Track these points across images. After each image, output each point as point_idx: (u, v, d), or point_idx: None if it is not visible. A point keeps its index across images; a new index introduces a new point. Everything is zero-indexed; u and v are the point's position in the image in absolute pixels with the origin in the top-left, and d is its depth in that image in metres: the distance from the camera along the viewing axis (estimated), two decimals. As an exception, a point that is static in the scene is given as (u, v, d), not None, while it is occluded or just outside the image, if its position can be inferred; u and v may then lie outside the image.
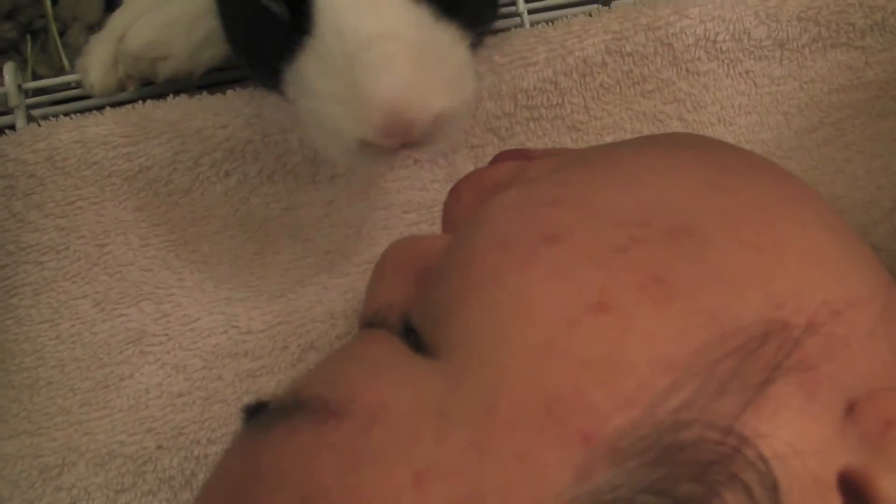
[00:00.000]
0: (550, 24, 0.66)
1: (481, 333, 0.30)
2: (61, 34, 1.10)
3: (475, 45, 0.56)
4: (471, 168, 0.66)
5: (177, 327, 0.63)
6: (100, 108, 0.69)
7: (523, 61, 0.64)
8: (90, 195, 0.65)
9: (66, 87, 0.73)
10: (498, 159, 0.47)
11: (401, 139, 0.51)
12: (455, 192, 0.47)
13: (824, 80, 0.66)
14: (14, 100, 0.69)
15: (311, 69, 0.52)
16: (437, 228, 0.64)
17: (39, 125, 0.65)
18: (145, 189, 0.65)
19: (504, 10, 0.71)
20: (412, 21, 0.51)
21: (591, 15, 0.66)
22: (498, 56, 0.64)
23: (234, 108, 0.65)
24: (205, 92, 0.67)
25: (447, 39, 0.53)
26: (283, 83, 0.55)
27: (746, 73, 0.66)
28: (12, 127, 0.69)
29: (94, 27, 1.14)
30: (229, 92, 0.67)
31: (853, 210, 0.63)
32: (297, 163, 0.65)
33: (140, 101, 0.66)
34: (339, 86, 0.51)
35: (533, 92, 0.65)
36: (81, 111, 0.69)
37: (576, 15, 0.67)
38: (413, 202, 0.66)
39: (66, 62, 1.05)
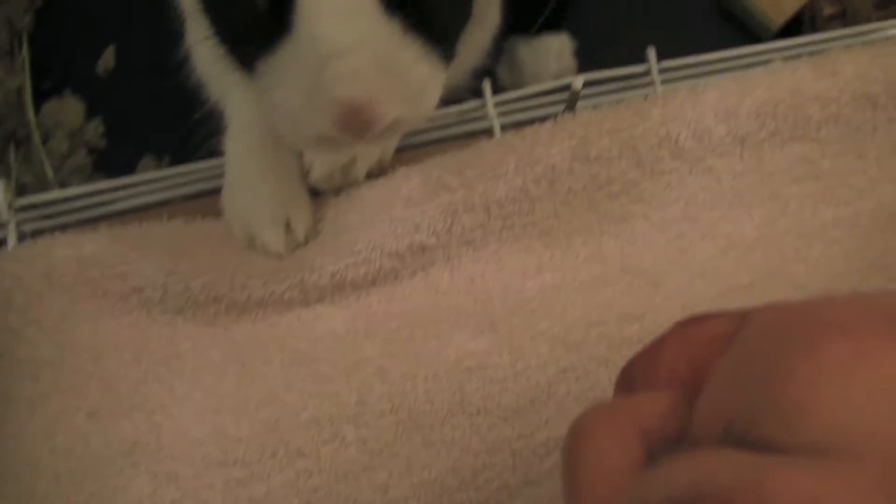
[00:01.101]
0: (518, 132, 0.76)
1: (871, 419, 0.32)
2: (44, 142, 1.22)
3: (444, 57, 0.66)
4: (447, 279, 0.76)
5: (168, 437, 0.72)
6: (90, 221, 0.78)
7: (494, 173, 0.74)
8: (86, 311, 0.74)
9: (56, 202, 0.83)
10: (699, 320, 0.49)
11: (357, 137, 0.63)
12: (655, 348, 0.48)
13: (783, 172, 0.75)
14: (5, 216, 0.79)
15: (283, 65, 0.63)
16: (420, 332, 0.73)
17: (35, 241, 0.75)
18: (139, 308, 0.74)
19: (474, 114, 0.81)
20: (383, 34, 0.61)
21: (556, 120, 0.76)
22: (469, 170, 0.74)
23: (226, 234, 0.75)
24: (198, 216, 0.78)
25: (413, 52, 0.63)
26: (254, 69, 0.64)
27: (709, 169, 0.75)
28: (2, 242, 0.78)
29: (77, 133, 1.26)
30: (221, 218, 0.77)
31: (814, 297, 0.71)
32: (285, 290, 0.74)
33: (138, 223, 0.76)
34: (308, 85, 0.61)
35: (505, 202, 0.75)
36: (71, 225, 0.79)
37: (542, 120, 0.77)
38: (393, 311, 0.75)
39: (49, 170, 1.16)
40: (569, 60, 1.41)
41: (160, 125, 1.28)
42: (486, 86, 0.80)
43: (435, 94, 0.65)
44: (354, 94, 0.59)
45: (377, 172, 0.79)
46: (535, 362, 0.72)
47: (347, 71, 0.59)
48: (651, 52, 0.79)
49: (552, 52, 1.40)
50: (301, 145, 0.67)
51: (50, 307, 0.74)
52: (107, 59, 1.31)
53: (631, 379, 0.48)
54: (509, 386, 0.71)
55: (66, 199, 0.82)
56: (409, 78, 0.63)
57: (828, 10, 1.30)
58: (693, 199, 0.76)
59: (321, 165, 0.76)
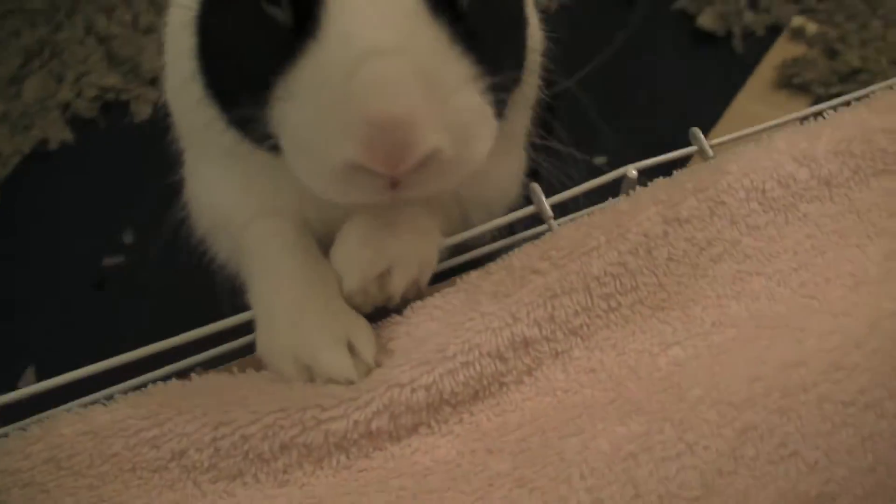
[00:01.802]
0: (596, 210, 0.69)
1: None
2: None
3: (498, 106, 0.57)
4: (562, 378, 0.65)
5: None
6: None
7: (584, 249, 0.66)
8: (111, 495, 0.57)
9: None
10: None
11: (389, 164, 0.52)
12: None
13: (878, 208, 0.71)
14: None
15: (308, 76, 0.53)
16: (553, 433, 0.60)
17: (26, 428, 0.60)
18: (182, 479, 0.59)
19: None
20: (426, 36, 0.53)
21: (629, 194, 0.70)
22: (555, 251, 0.66)
23: (275, 381, 0.63)
24: (235, 369, 0.65)
25: (461, 71, 0.55)
26: (266, 113, 0.56)
27: (805, 216, 0.70)
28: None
29: None
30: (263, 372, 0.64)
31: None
32: (372, 416, 0.61)
33: (158, 382, 0.62)
34: (335, 96, 0.52)
35: (604, 278, 0.66)
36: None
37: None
38: (510, 424, 0.63)
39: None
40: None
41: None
42: (537, 188, 0.73)
43: (486, 137, 0.57)
44: (390, 104, 0.51)
45: (414, 297, 0.68)
46: (707, 430, 0.59)
47: (383, 74, 0.51)
48: (697, 132, 0.76)
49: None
50: (322, 184, 0.56)
51: (61, 497, 0.57)
52: (27, 381, 1.17)
53: None
54: (686, 461, 0.58)
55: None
56: (455, 103, 0.54)
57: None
58: (799, 247, 0.69)
59: (353, 275, 0.64)
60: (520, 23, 0.65)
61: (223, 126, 0.64)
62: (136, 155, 1.49)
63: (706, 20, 1.59)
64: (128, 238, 1.38)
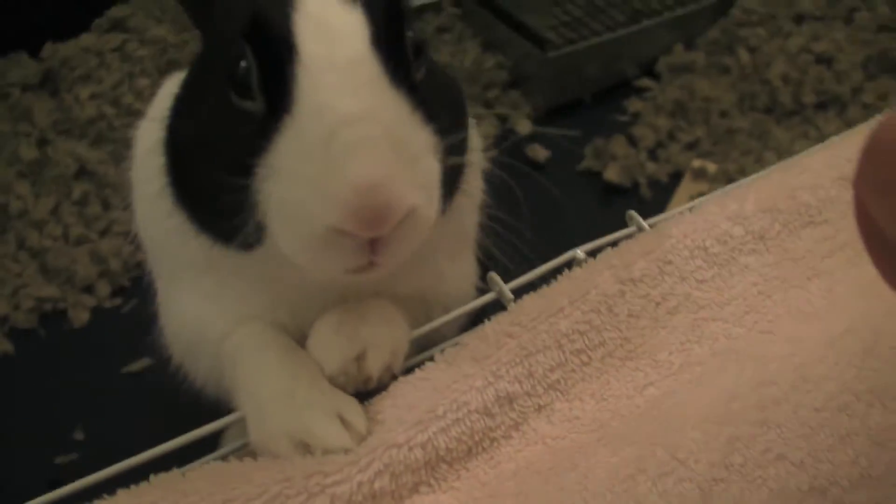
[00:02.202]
0: (549, 286, 0.74)
1: None
2: None
3: (449, 177, 0.64)
4: (548, 428, 0.68)
5: None
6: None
7: (549, 311, 0.71)
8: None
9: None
10: None
11: (372, 227, 0.57)
12: None
13: (811, 253, 0.77)
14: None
15: (287, 149, 0.58)
16: (551, 472, 0.63)
17: None
18: None
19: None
20: (392, 104, 0.59)
21: (583, 266, 0.76)
22: (523, 317, 0.71)
23: (274, 464, 0.64)
24: (231, 457, 0.65)
25: (423, 135, 0.61)
26: (247, 204, 0.60)
27: (746, 267, 0.76)
28: None
29: None
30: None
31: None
32: (374, 477, 0.62)
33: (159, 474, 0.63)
34: (315, 165, 0.57)
35: (573, 335, 0.70)
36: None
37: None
38: (506, 473, 0.65)
39: None
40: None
41: None
42: (496, 277, 0.78)
43: (438, 199, 0.63)
44: (369, 168, 0.56)
45: (388, 379, 0.71)
46: (695, 447, 0.62)
47: (359, 139, 0.57)
48: (634, 214, 0.83)
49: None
50: (307, 253, 0.60)
51: None
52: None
53: None
54: (682, 474, 0.61)
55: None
56: (422, 164, 0.61)
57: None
58: (747, 294, 0.75)
59: (332, 358, 0.68)
60: (462, 106, 0.72)
61: (194, 232, 0.68)
62: (78, 359, 1.51)
63: (611, 174, 1.71)
64: (79, 435, 1.37)
